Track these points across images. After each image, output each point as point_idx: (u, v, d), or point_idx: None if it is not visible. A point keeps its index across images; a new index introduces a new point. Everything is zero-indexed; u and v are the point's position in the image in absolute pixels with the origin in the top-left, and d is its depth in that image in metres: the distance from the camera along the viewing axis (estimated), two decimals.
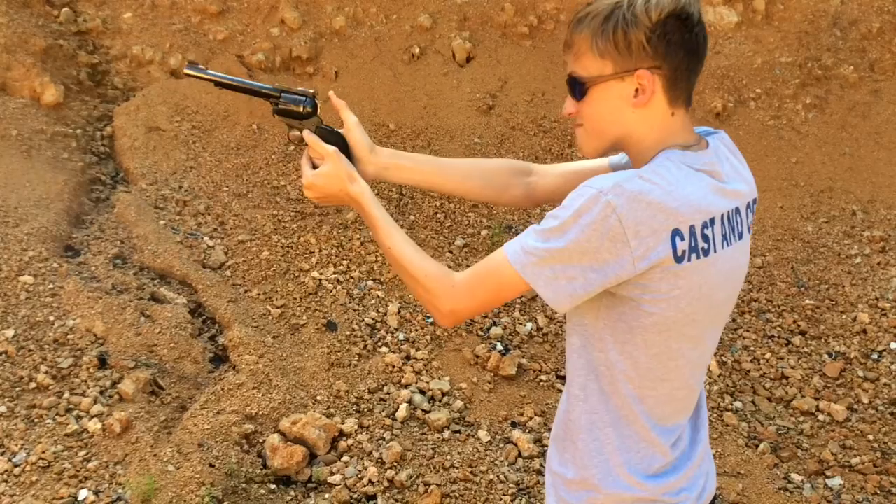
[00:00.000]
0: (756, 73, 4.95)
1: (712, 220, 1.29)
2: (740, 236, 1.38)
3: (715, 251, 1.30)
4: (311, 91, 1.59)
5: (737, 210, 1.37)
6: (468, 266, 4.11)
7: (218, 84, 1.61)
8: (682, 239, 1.25)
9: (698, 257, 1.27)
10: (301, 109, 1.56)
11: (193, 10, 4.89)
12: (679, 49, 1.30)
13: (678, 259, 1.25)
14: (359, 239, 3.94)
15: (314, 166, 1.56)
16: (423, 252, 1.44)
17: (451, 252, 4.04)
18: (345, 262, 3.86)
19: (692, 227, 1.26)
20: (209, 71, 1.62)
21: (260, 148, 4.41)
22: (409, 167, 1.65)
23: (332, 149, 1.54)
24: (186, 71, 1.60)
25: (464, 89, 4.84)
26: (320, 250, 3.89)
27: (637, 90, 1.31)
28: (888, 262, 4.15)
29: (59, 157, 4.08)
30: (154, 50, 4.71)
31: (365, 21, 5.02)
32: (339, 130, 1.61)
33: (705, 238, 1.28)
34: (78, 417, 2.95)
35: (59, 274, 3.45)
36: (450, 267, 3.94)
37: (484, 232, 4.15)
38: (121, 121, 4.37)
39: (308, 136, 1.56)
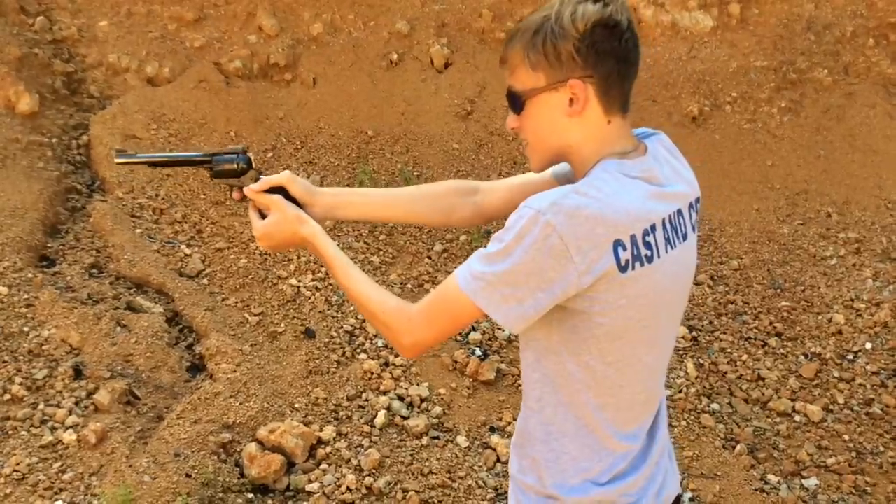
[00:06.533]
0: (731, 77, 4.99)
1: (653, 227, 1.32)
2: (684, 237, 1.40)
3: (659, 256, 1.32)
4: (242, 146, 1.61)
5: (679, 212, 1.39)
6: (448, 272, 4.16)
7: (151, 164, 1.68)
8: (625, 249, 1.27)
9: (642, 265, 1.29)
10: (236, 167, 1.57)
11: (170, 18, 4.88)
12: (608, 57, 1.32)
13: (622, 269, 1.27)
14: (339, 245, 3.93)
15: (263, 216, 1.59)
16: (380, 287, 1.47)
17: (429, 258, 4.04)
18: (323, 269, 3.84)
19: (633, 237, 1.28)
20: (139, 154, 1.66)
21: None
22: (355, 202, 1.68)
23: (275, 196, 1.56)
24: (117, 160, 1.62)
25: (442, 95, 4.85)
26: (298, 257, 3.88)
27: (571, 99, 1.34)
28: (863, 264, 4.20)
29: (35, 166, 4.05)
30: (130, 58, 4.69)
31: (343, 28, 5.02)
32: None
33: (647, 245, 1.30)
34: (53, 429, 2.92)
35: (34, 284, 3.42)
36: (429, 273, 3.95)
37: (463, 237, 4.16)
38: (97, 129, 4.35)
39: (248, 191, 1.58)
